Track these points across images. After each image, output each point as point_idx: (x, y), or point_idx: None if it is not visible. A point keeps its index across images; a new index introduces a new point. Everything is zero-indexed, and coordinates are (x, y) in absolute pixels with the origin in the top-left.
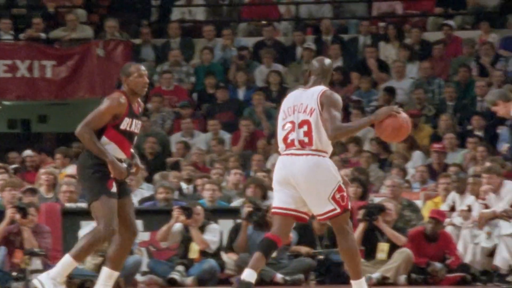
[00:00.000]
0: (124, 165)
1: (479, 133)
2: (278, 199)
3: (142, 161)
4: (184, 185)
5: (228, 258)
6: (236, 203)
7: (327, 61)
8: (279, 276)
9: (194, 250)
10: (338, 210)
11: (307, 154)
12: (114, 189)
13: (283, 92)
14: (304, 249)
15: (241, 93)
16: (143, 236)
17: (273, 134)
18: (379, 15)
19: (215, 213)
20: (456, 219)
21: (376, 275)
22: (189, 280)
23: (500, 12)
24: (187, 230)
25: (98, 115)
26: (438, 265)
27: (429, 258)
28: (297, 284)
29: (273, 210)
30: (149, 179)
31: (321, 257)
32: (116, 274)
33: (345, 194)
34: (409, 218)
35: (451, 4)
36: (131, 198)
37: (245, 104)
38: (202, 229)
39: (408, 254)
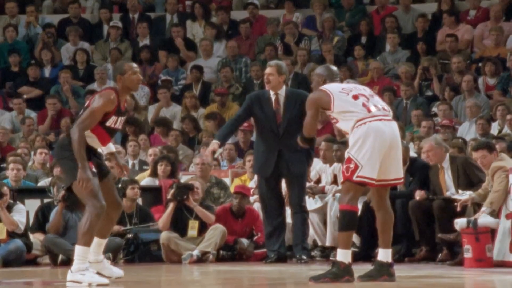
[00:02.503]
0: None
1: None
2: (374, 169)
3: None
4: None
5: (35, 238)
6: (42, 182)
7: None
8: None
9: (1, 231)
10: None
11: (393, 119)
12: (93, 169)
13: (90, 70)
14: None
15: (46, 72)
16: None
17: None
18: None
19: (21, 193)
20: None
21: (196, 252)
22: None
23: None
24: None
25: (93, 114)
26: (245, 241)
27: (236, 235)
28: None
29: (373, 182)
30: None
31: (130, 235)
32: (104, 242)
33: None
34: (218, 196)
35: None
36: (111, 177)
37: (52, 82)
38: (8, 209)
39: (223, 229)
